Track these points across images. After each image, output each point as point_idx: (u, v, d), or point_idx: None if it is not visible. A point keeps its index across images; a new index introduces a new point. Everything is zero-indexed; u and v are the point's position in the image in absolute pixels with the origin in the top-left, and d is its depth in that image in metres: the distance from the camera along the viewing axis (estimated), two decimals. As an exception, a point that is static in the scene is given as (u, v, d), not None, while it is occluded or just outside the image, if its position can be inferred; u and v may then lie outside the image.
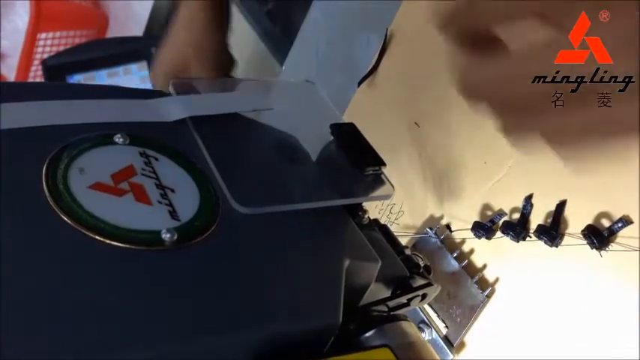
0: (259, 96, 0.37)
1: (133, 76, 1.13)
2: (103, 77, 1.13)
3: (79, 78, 1.09)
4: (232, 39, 0.99)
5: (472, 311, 0.45)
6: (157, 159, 0.30)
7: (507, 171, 0.45)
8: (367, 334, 0.31)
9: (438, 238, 0.49)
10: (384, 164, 0.35)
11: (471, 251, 0.47)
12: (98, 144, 0.29)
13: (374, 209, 0.53)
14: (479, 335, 0.46)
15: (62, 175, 0.27)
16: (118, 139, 0.30)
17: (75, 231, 0.25)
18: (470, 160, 0.47)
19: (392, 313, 0.34)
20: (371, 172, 0.35)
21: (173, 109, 0.33)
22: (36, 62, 1.24)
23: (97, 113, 0.31)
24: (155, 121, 0.32)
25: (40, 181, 0.26)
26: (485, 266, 0.46)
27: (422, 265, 0.37)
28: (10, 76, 1.26)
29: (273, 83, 0.41)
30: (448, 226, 0.49)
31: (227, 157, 0.32)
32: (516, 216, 0.44)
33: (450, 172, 0.49)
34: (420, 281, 0.36)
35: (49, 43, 1.26)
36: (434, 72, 0.50)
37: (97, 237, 0.25)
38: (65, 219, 0.25)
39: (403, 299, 0.35)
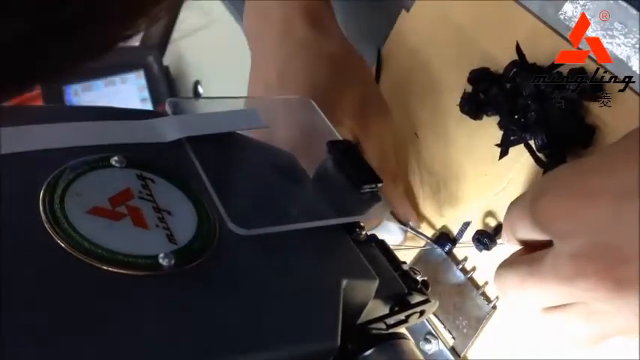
0: (256, 114, 0.37)
1: (130, 85, 1.13)
2: (99, 86, 1.12)
3: (76, 88, 1.09)
4: (227, 46, 0.99)
5: (478, 322, 0.45)
6: (153, 181, 0.30)
7: (507, 183, 0.45)
8: (366, 354, 0.31)
9: (443, 250, 0.49)
10: (380, 181, 0.35)
11: (477, 262, 0.47)
12: (95, 167, 0.29)
13: (374, 221, 0.53)
14: (485, 346, 0.46)
15: (59, 200, 0.27)
16: (115, 161, 0.30)
17: (73, 258, 0.25)
18: (470, 172, 0.48)
19: (390, 330, 0.34)
20: (368, 189, 0.35)
21: (169, 130, 0.33)
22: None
23: (93, 135, 0.31)
24: (152, 142, 0.32)
25: (37, 207, 0.26)
26: (491, 277, 0.46)
27: (420, 281, 0.37)
28: (7, 86, 1.26)
29: (269, 100, 0.41)
30: (453, 239, 0.49)
31: (224, 178, 0.32)
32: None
33: (451, 183, 0.49)
34: (418, 298, 0.36)
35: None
36: (432, 83, 0.51)
37: (94, 263, 0.25)
38: (63, 245, 0.25)
39: (401, 316, 0.35)
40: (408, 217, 0.50)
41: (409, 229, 0.50)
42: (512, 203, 0.36)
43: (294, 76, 0.45)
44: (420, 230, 0.50)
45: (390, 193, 0.48)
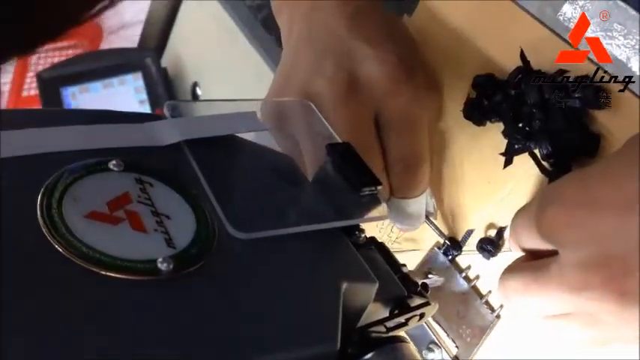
0: (255, 116, 0.37)
1: (129, 86, 1.13)
2: (97, 88, 1.12)
3: (73, 90, 1.09)
4: (224, 48, 0.99)
5: (482, 331, 0.45)
6: (152, 185, 0.30)
7: (510, 191, 0.44)
8: (366, 357, 0.31)
9: (447, 258, 0.48)
10: (380, 184, 0.35)
11: (481, 271, 0.47)
12: (93, 171, 0.29)
13: (374, 227, 0.53)
14: (489, 355, 0.45)
15: (57, 204, 0.27)
16: (113, 165, 0.30)
17: (70, 262, 0.25)
18: (473, 179, 0.47)
19: (390, 334, 0.34)
20: (367, 192, 0.35)
21: (168, 133, 0.33)
22: (30, 74, 1.24)
23: (92, 139, 0.31)
24: (150, 145, 0.32)
25: (34, 211, 0.26)
26: (494, 286, 0.46)
27: (419, 284, 0.37)
28: (5, 89, 1.26)
29: (268, 103, 0.41)
30: (458, 245, 0.48)
31: (223, 181, 0.32)
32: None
33: (453, 190, 0.49)
34: (418, 300, 0.36)
35: (43, 55, 1.26)
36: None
37: (92, 268, 0.25)
38: (60, 250, 0.25)
39: (401, 319, 0.35)
40: (430, 207, 0.49)
41: (427, 222, 0.49)
42: (518, 213, 0.36)
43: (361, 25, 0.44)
44: (437, 226, 0.49)
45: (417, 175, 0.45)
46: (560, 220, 0.32)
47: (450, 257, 0.48)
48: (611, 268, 0.29)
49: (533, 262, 0.34)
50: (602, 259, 0.30)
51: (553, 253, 0.33)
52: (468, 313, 0.46)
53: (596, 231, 0.30)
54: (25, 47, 0.21)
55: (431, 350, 0.47)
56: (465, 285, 0.47)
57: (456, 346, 0.46)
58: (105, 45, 1.31)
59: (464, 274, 0.47)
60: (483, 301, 0.46)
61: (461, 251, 0.48)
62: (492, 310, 0.45)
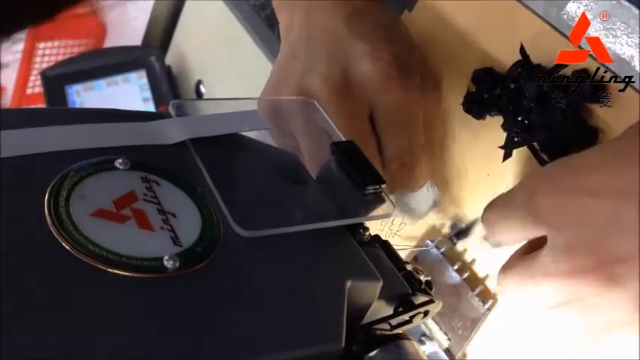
0: (259, 115, 0.37)
1: (132, 84, 1.13)
2: (101, 86, 1.13)
3: (77, 88, 1.09)
4: (228, 46, 0.99)
5: (473, 324, 0.45)
6: (158, 183, 0.30)
7: (510, 183, 0.45)
8: (370, 354, 0.31)
9: (439, 251, 0.49)
10: (384, 182, 0.35)
11: (473, 263, 0.47)
12: (99, 170, 0.29)
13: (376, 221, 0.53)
14: (481, 348, 0.46)
15: (64, 202, 0.27)
16: (119, 164, 0.30)
17: (77, 260, 0.25)
18: (472, 171, 0.48)
19: (394, 331, 0.34)
20: (371, 190, 0.35)
21: (173, 132, 0.33)
22: (35, 72, 1.25)
23: (97, 138, 0.31)
24: (156, 144, 0.32)
25: (42, 210, 0.26)
26: (486, 277, 0.46)
27: (423, 281, 0.38)
28: (9, 86, 1.26)
29: (273, 101, 0.41)
30: (452, 238, 0.49)
31: (228, 179, 0.32)
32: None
33: (453, 182, 0.49)
34: (422, 298, 0.36)
35: (48, 53, 1.26)
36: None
37: (99, 266, 0.25)
38: (68, 248, 0.25)
39: (405, 317, 0.35)
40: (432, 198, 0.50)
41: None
42: (492, 202, 0.36)
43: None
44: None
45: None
46: (550, 204, 0.32)
47: (444, 250, 0.48)
48: (603, 254, 0.30)
49: (525, 256, 0.35)
50: (593, 243, 0.30)
51: (540, 243, 0.33)
52: (460, 305, 0.46)
53: (587, 215, 0.30)
54: (48, 12, 0.21)
55: (423, 343, 0.47)
56: (457, 278, 0.47)
57: (448, 339, 0.47)
58: (109, 43, 1.32)
59: (456, 267, 0.47)
60: (475, 293, 0.46)
61: (454, 245, 0.48)
62: (484, 302, 0.45)
